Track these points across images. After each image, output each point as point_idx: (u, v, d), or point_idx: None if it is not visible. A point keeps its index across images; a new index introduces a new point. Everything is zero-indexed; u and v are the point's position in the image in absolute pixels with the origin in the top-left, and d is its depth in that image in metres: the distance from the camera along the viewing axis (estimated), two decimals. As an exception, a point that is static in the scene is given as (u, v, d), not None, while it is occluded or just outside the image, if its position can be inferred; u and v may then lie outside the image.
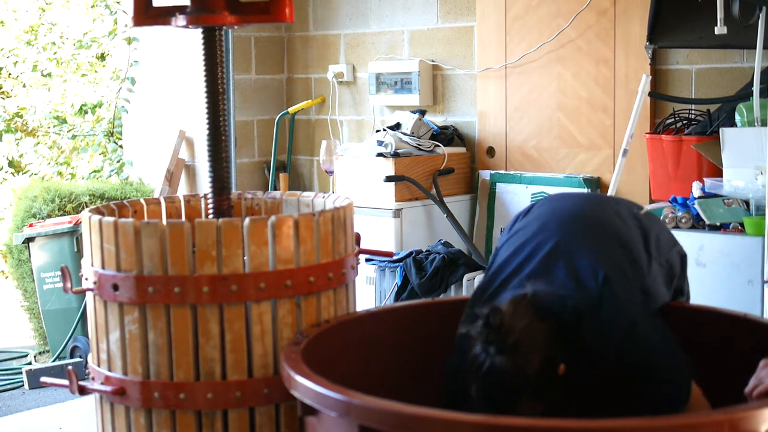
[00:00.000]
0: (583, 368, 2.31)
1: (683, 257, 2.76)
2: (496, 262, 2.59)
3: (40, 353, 5.89)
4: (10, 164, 8.23)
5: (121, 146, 6.88)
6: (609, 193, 4.38)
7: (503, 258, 2.58)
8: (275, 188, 6.06)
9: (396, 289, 4.71)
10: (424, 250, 4.76)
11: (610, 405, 2.37)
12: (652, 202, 4.50)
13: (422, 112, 5.42)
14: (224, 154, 2.82)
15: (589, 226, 2.58)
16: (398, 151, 5.13)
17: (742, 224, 3.86)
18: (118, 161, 6.83)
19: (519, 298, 2.34)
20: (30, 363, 5.70)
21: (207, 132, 2.82)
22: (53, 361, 5.51)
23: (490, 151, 5.40)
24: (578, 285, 2.40)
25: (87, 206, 5.77)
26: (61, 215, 5.86)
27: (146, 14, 2.80)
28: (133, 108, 6.55)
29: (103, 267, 2.50)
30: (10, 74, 8.21)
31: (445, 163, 5.26)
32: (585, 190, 4.92)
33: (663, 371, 2.35)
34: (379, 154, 5.12)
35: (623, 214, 2.66)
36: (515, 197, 5.22)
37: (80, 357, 5.39)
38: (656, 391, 2.33)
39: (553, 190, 5.00)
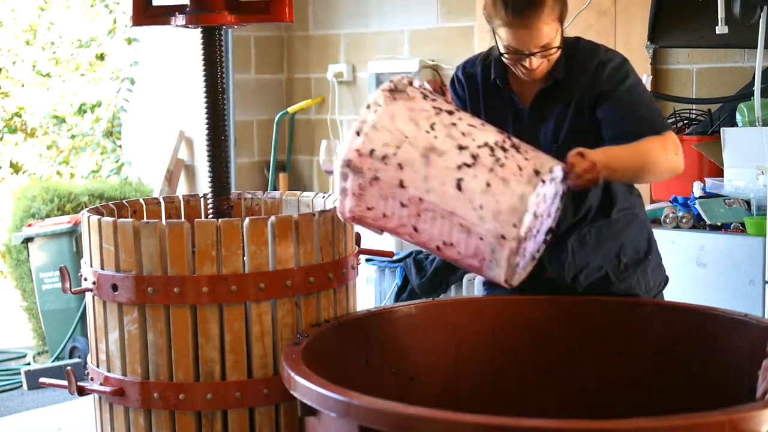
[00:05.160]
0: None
1: None
2: None
3: (38, 354, 5.88)
4: (10, 165, 8.22)
5: (120, 146, 6.88)
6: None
7: None
8: (275, 188, 6.05)
9: (396, 289, 4.70)
10: (424, 250, 4.75)
11: None
12: (653, 201, 4.49)
13: (422, 112, 5.41)
14: (224, 154, 2.81)
15: None
16: (398, 151, 5.11)
17: (743, 224, 3.86)
18: (117, 161, 6.83)
19: None
20: (29, 363, 5.70)
21: (207, 132, 2.81)
22: (52, 361, 5.51)
23: (490, 151, 5.39)
24: None
25: (86, 206, 5.76)
26: (60, 215, 5.85)
27: (146, 14, 2.80)
28: (133, 108, 6.54)
29: (102, 267, 2.49)
30: (8, 74, 8.20)
31: (445, 163, 5.24)
32: (585, 190, 4.90)
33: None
34: (379, 154, 5.10)
35: None
36: (515, 197, 5.20)
37: (79, 357, 5.38)
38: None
39: (553, 190, 4.98)
